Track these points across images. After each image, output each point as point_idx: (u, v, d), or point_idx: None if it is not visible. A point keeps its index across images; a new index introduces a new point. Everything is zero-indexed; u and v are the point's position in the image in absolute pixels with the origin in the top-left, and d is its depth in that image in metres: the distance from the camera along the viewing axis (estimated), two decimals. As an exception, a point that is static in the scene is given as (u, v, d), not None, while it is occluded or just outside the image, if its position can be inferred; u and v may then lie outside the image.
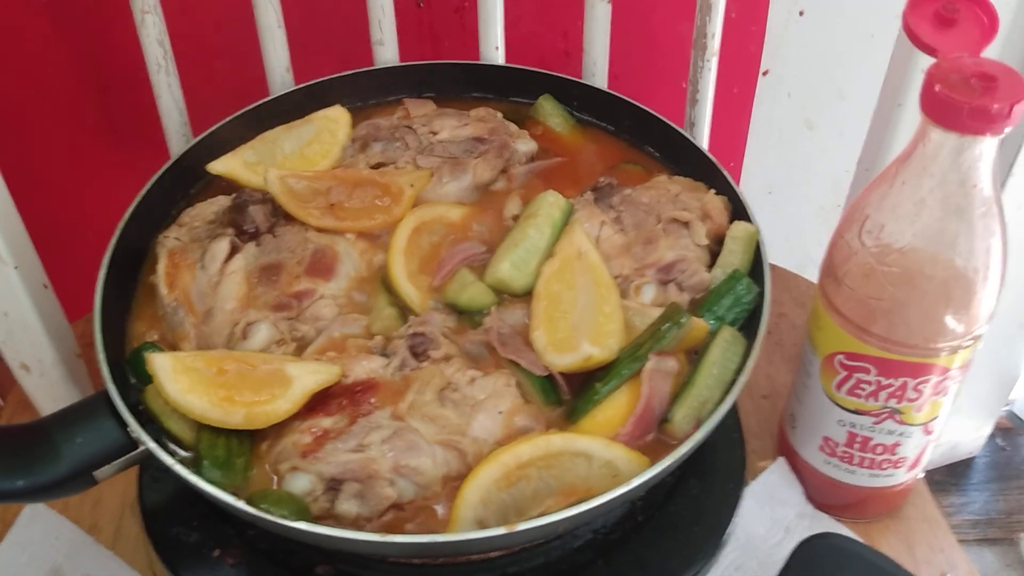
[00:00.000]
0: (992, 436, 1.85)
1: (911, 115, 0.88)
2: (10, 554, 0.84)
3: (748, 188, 0.90)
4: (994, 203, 0.68)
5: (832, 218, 1.45)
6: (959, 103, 0.63)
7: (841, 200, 1.41)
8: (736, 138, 1.32)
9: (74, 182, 1.16)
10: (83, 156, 1.15)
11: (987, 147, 0.65)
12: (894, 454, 0.81)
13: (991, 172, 0.66)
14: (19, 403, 1.00)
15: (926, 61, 0.68)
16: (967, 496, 1.83)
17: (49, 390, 0.95)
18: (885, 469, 0.82)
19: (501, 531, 0.62)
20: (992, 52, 0.69)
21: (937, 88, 0.64)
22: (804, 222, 1.38)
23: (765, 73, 1.28)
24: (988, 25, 0.69)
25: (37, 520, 0.86)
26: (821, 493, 0.87)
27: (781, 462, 0.89)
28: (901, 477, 0.84)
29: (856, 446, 0.81)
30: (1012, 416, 1.90)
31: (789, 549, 0.76)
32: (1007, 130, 0.63)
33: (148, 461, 0.72)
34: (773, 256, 0.81)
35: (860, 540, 0.77)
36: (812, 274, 1.13)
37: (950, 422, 1.76)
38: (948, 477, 1.83)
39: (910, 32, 0.69)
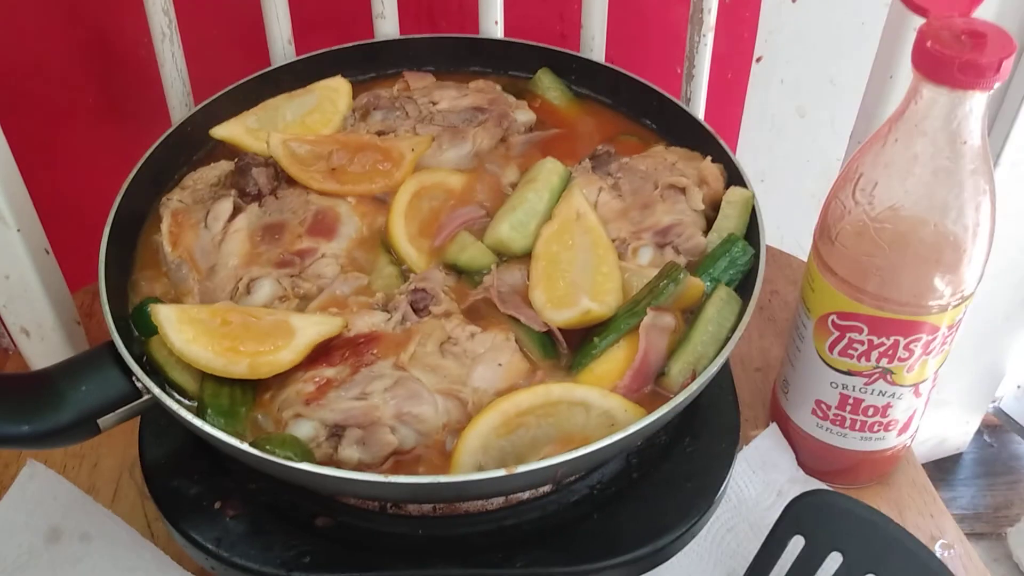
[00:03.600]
0: (979, 432, 1.87)
1: (902, 86, 0.89)
2: (8, 514, 0.85)
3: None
4: (983, 161, 0.69)
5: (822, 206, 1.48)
6: (950, 58, 0.65)
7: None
8: (729, 124, 1.34)
9: (75, 156, 1.17)
10: (85, 130, 1.16)
11: (977, 102, 0.66)
12: (885, 416, 0.82)
13: (981, 128, 0.68)
14: (17, 369, 1.00)
15: (915, 32, 0.70)
16: (954, 491, 1.84)
17: (48, 355, 0.96)
18: (876, 432, 0.84)
19: (501, 472, 0.62)
20: (989, 16, 0.71)
21: (929, 44, 0.66)
22: (795, 209, 1.40)
23: (758, 60, 1.30)
24: (978, -12, 0.71)
25: (35, 480, 0.87)
26: (813, 458, 0.89)
27: (773, 428, 0.90)
28: (891, 441, 0.85)
29: (848, 408, 0.82)
30: (999, 412, 1.91)
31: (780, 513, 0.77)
32: (996, 85, 0.65)
33: (150, 413, 0.73)
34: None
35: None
36: (804, 259, 1.15)
37: (937, 417, 1.77)
38: (936, 472, 1.85)
39: (902, -6, 0.71)
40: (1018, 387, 1.87)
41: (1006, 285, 1.50)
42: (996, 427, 1.92)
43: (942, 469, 1.87)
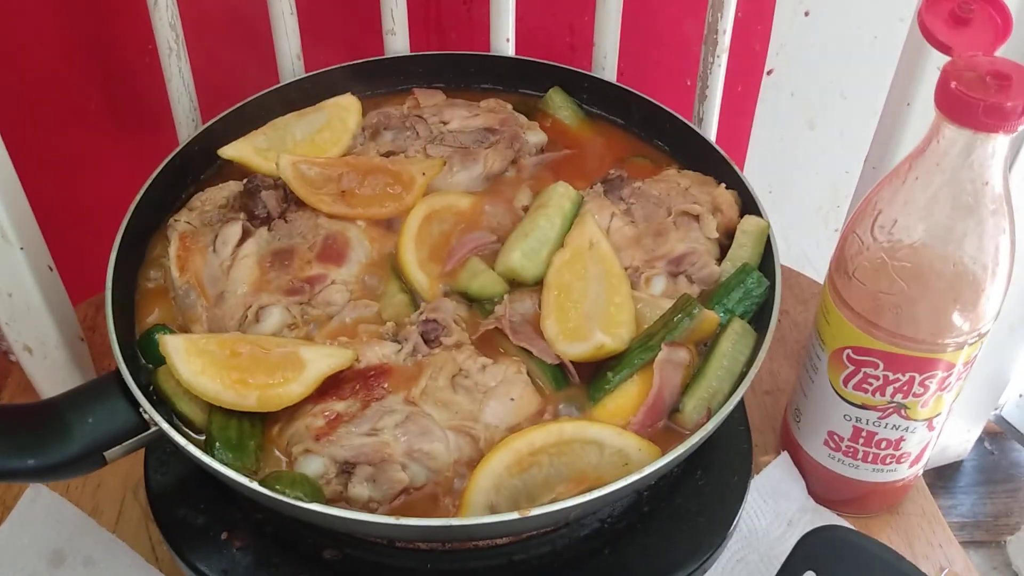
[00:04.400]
0: (980, 440, 1.87)
1: (919, 114, 0.89)
2: (11, 536, 0.84)
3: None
4: (1004, 201, 0.69)
5: (830, 218, 1.47)
6: (974, 100, 0.64)
7: (840, 201, 1.42)
8: (739, 136, 1.33)
9: (77, 169, 1.16)
10: (86, 143, 1.15)
11: (999, 144, 0.66)
12: (898, 449, 0.82)
13: (1002, 170, 0.67)
14: (19, 385, 0.99)
15: (935, 61, 0.69)
16: (955, 499, 1.84)
17: (51, 372, 0.95)
18: (888, 464, 0.83)
19: (514, 516, 0.62)
20: (1003, 51, 0.70)
21: (953, 85, 0.65)
22: (802, 222, 1.39)
23: (769, 72, 1.29)
24: (1002, 25, 0.70)
25: (39, 503, 0.86)
26: (824, 488, 0.88)
27: (784, 457, 0.90)
28: (903, 472, 0.85)
29: (861, 441, 0.82)
30: (1000, 420, 1.91)
31: (791, 543, 0.77)
32: (1020, 128, 0.64)
33: (157, 443, 0.72)
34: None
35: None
36: (810, 273, 1.14)
37: (939, 425, 1.76)
38: (936, 480, 1.85)
39: (925, 30, 0.70)
40: (1020, 395, 1.87)
41: (1013, 297, 1.49)
42: (997, 435, 1.92)
43: (943, 477, 1.87)
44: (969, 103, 0.64)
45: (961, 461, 1.88)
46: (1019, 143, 1.14)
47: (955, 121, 0.65)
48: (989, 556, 1.80)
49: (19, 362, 0.95)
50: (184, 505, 0.77)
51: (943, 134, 0.67)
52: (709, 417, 0.69)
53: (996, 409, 1.89)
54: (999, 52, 0.69)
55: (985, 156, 0.66)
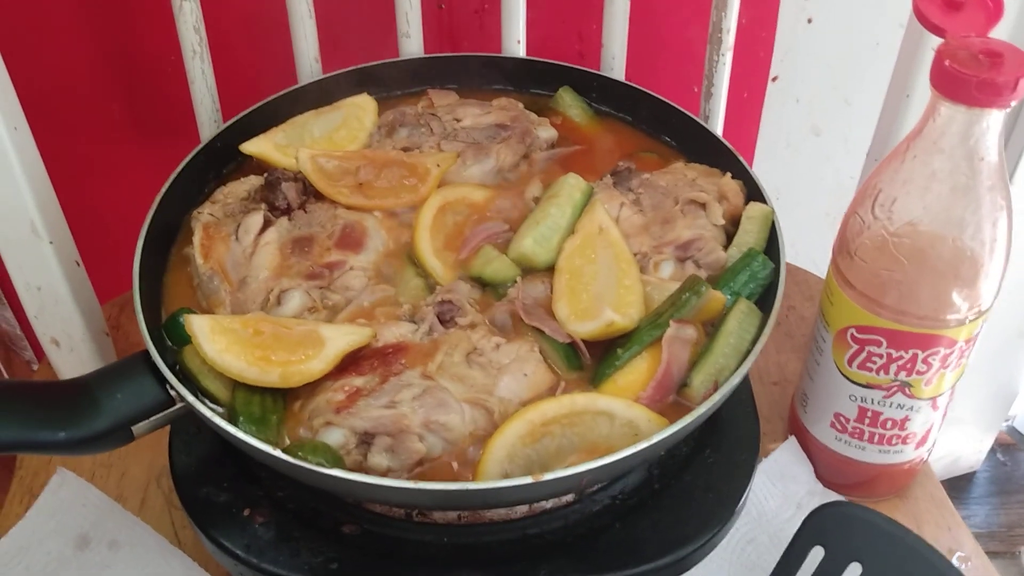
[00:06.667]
0: (993, 451, 1.87)
1: (918, 105, 0.91)
2: (38, 521, 0.86)
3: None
4: (1000, 177, 0.71)
5: (836, 223, 1.49)
6: (968, 77, 0.66)
7: (845, 206, 1.44)
8: (745, 142, 1.36)
9: (100, 173, 1.19)
10: (110, 148, 1.18)
11: (994, 120, 0.68)
12: (903, 429, 0.83)
13: (997, 145, 0.69)
14: (46, 378, 1.02)
15: (931, 53, 0.72)
16: (968, 510, 1.84)
17: (77, 365, 0.97)
18: (894, 445, 0.85)
19: (528, 480, 0.64)
20: (994, 34, 0.72)
21: (947, 63, 0.67)
22: (809, 226, 1.41)
23: (774, 79, 1.32)
24: (993, 9, 0.72)
25: (65, 488, 0.88)
26: (831, 471, 0.90)
27: (792, 441, 0.91)
28: (909, 454, 0.86)
29: (866, 421, 0.83)
30: (1012, 431, 1.92)
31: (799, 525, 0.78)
32: (1012, 103, 0.67)
33: (181, 421, 0.74)
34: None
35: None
36: (819, 275, 1.16)
37: (951, 435, 1.77)
38: (949, 491, 1.83)
39: (920, 14, 0.72)
40: (1032, 406, 1.87)
41: (1020, 303, 1.50)
42: (1010, 446, 1.92)
43: (955, 487, 1.87)
44: (963, 79, 0.66)
45: (974, 472, 1.89)
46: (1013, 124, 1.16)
47: (950, 98, 0.68)
48: (1004, 567, 1.80)
49: (46, 355, 0.98)
50: (207, 484, 0.78)
51: (939, 112, 0.70)
52: (716, 390, 0.71)
53: (1008, 420, 1.89)
54: (991, 35, 0.71)
55: (980, 132, 0.68)
